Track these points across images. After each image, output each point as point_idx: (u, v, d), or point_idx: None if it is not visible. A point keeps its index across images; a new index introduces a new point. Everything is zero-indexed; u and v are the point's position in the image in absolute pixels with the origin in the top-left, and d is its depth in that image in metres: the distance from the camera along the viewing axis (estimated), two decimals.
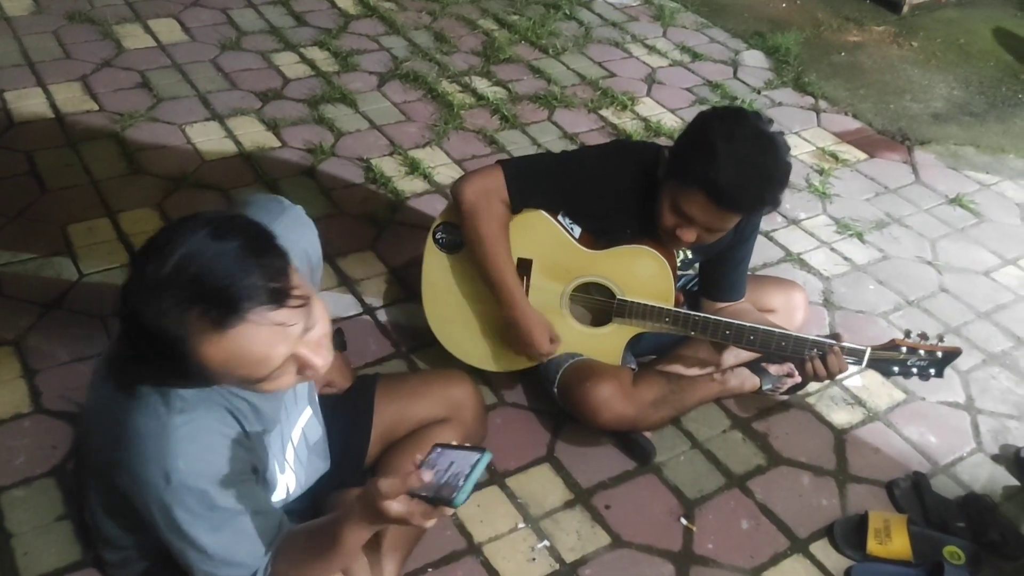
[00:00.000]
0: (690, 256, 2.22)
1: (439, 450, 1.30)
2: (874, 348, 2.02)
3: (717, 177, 1.83)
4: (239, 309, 1.13)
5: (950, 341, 2.12)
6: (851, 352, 2.02)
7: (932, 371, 2.03)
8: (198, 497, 1.30)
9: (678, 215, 1.95)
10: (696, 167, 1.86)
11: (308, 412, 1.63)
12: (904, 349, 2.01)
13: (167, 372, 1.21)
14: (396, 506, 1.23)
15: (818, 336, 2.04)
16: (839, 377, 2.47)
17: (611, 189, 2.06)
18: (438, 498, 1.22)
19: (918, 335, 2.03)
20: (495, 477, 2.12)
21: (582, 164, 2.11)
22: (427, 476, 1.23)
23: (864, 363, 2.02)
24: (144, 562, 1.61)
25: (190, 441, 1.29)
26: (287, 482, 1.58)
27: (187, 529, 1.31)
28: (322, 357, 1.25)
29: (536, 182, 2.08)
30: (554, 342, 2.14)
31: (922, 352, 2.01)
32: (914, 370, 2.03)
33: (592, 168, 2.08)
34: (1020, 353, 2.69)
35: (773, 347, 2.05)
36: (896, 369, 2.04)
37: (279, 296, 1.16)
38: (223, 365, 1.17)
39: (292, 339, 1.20)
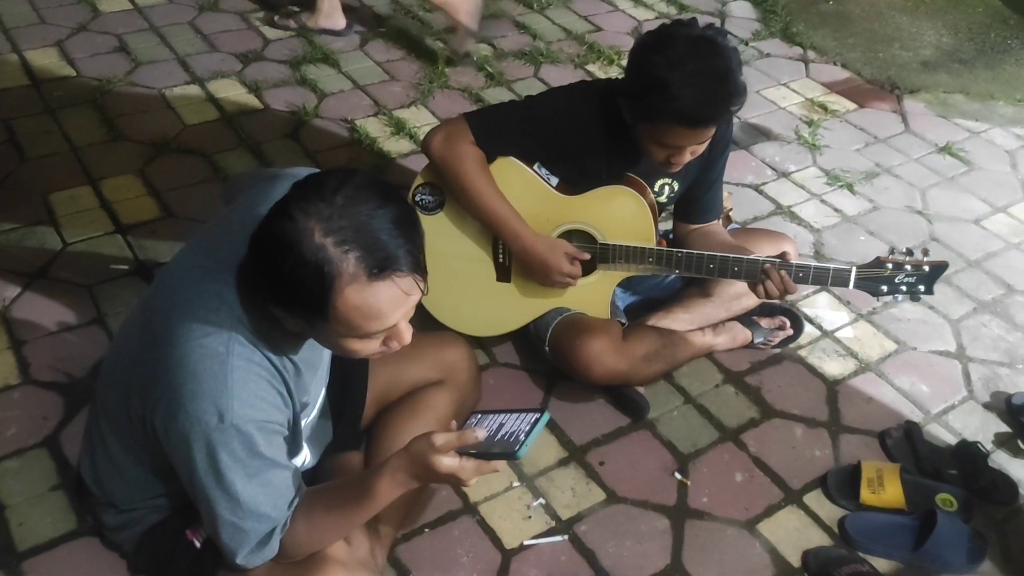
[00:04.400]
0: (676, 188, 2.21)
1: (479, 415, 1.39)
2: (859, 267, 2.00)
3: (680, 106, 1.83)
4: (394, 266, 1.23)
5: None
6: (837, 273, 2.01)
7: (921, 287, 2.00)
8: (244, 441, 1.31)
9: (665, 148, 1.95)
10: (656, 106, 1.86)
11: (322, 392, 1.64)
12: (890, 266, 1.99)
13: (290, 299, 1.25)
14: (448, 461, 1.30)
15: (803, 260, 2.03)
16: (832, 327, 2.50)
17: (581, 130, 2.04)
18: (491, 454, 1.29)
19: (903, 251, 2.01)
20: None
21: (548, 108, 2.08)
22: (481, 434, 1.31)
23: (851, 283, 2.01)
24: (145, 524, 1.61)
25: (245, 384, 1.31)
26: (305, 452, 1.60)
27: (226, 472, 1.31)
28: (409, 335, 1.35)
29: (503, 130, 2.06)
30: (575, 262, 2.12)
31: (908, 267, 1.98)
32: (903, 287, 2.00)
33: (559, 111, 2.06)
34: (1011, 300, 2.69)
35: (759, 274, 2.03)
36: (885, 288, 2.01)
37: (420, 268, 1.27)
38: (352, 310, 1.23)
39: (403, 312, 1.29)
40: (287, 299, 1.25)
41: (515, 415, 1.35)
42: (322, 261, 1.19)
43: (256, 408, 1.33)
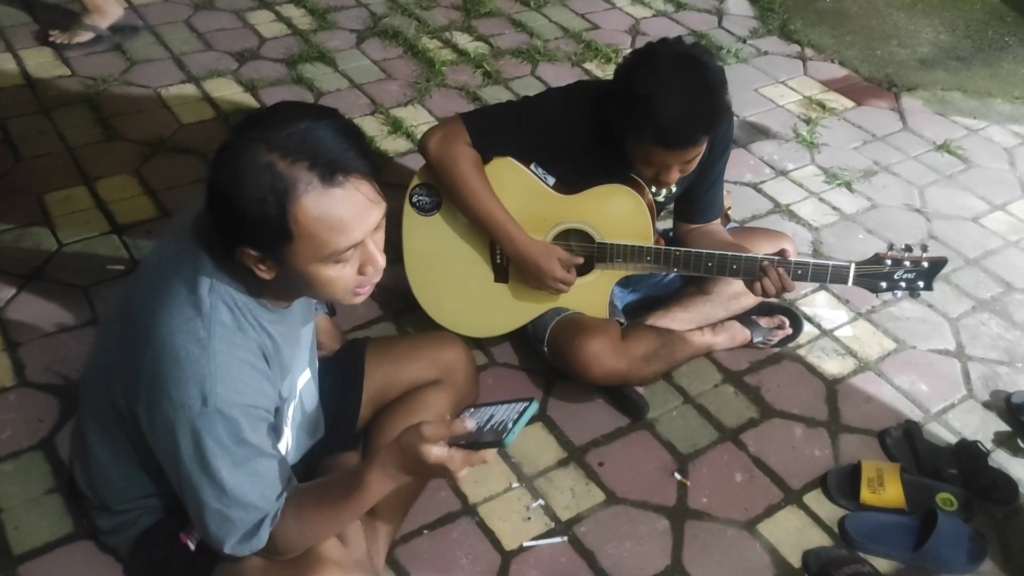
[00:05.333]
0: (674, 188, 2.19)
1: (472, 409, 1.38)
2: (858, 264, 1.99)
3: (661, 129, 1.82)
4: (344, 170, 1.22)
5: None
6: (836, 270, 2.00)
7: (921, 283, 1.99)
8: (229, 426, 1.30)
9: (651, 166, 1.95)
10: (639, 126, 1.86)
11: (307, 375, 1.62)
12: (889, 262, 1.98)
13: (253, 229, 1.24)
14: (437, 451, 1.29)
15: (804, 257, 2.02)
16: (831, 326, 2.49)
17: (578, 131, 2.02)
18: (481, 443, 1.28)
19: (902, 247, 1.99)
20: None
21: (545, 108, 2.07)
22: (471, 424, 1.30)
23: (850, 280, 2.00)
24: (139, 527, 1.60)
25: (228, 368, 1.30)
26: (287, 440, 1.57)
27: (211, 459, 1.30)
28: (383, 259, 1.33)
29: (500, 131, 2.05)
30: (570, 270, 2.11)
31: (907, 264, 1.97)
32: (902, 284, 1.99)
33: (556, 111, 2.04)
34: (1009, 299, 2.69)
35: (757, 272, 2.02)
36: (884, 284, 2.00)
37: (374, 172, 1.27)
38: (314, 222, 1.22)
39: (371, 223, 1.27)
40: (250, 231, 1.24)
41: (505, 405, 1.34)
42: (273, 177, 1.19)
43: (240, 393, 1.31)
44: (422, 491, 1.89)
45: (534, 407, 1.32)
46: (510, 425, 1.27)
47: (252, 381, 1.34)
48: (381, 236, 1.32)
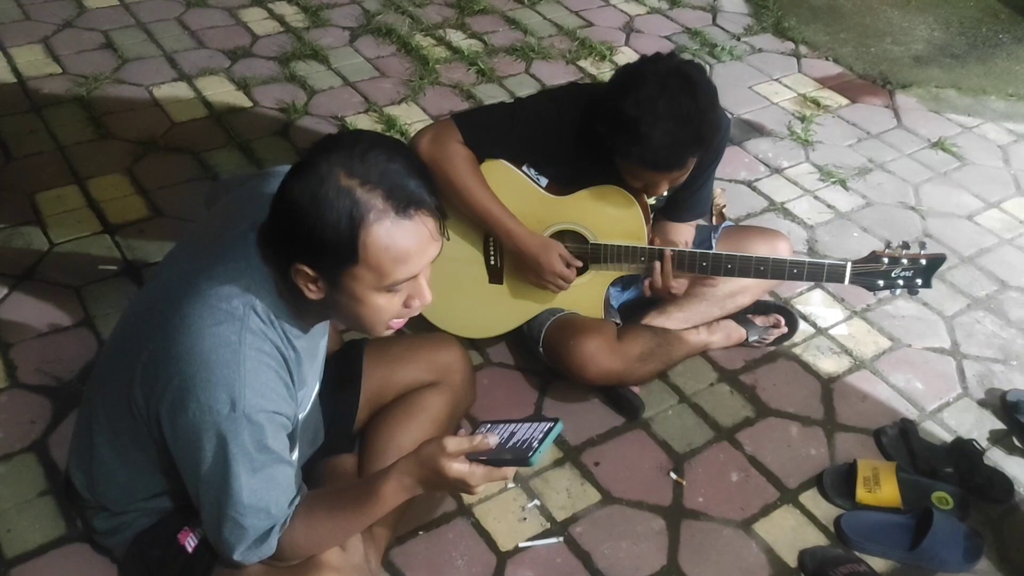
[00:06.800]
0: (665, 193, 2.19)
1: (488, 424, 1.38)
2: (855, 262, 1.99)
3: (645, 152, 1.83)
4: (417, 204, 1.27)
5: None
6: (832, 268, 2.00)
7: (919, 281, 1.98)
8: (254, 431, 1.31)
9: (641, 180, 1.96)
10: (627, 148, 1.86)
11: (316, 388, 1.62)
12: (886, 260, 1.97)
13: (320, 246, 1.26)
14: (457, 466, 1.30)
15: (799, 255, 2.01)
16: (826, 324, 2.49)
17: (569, 133, 2.01)
18: (502, 461, 1.29)
19: (899, 244, 1.99)
20: None
21: (536, 110, 2.06)
22: (493, 440, 1.31)
23: (847, 279, 1.99)
24: (135, 528, 1.59)
25: (257, 373, 1.31)
26: (295, 449, 1.57)
27: (232, 464, 1.30)
28: (430, 295, 1.37)
29: (491, 132, 2.04)
30: (570, 265, 2.10)
31: (905, 261, 1.96)
32: (900, 282, 1.98)
33: (547, 113, 2.04)
34: (1004, 296, 2.69)
35: (752, 272, 2.03)
36: (881, 283, 1.99)
37: (442, 211, 1.32)
38: (382, 251, 1.26)
39: (428, 257, 1.31)
40: (317, 248, 1.26)
41: (527, 424, 1.34)
42: (351, 202, 1.23)
43: (267, 398, 1.32)
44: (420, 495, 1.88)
45: (559, 428, 1.33)
46: (536, 445, 1.28)
47: (277, 388, 1.35)
48: (429, 271, 1.35)
